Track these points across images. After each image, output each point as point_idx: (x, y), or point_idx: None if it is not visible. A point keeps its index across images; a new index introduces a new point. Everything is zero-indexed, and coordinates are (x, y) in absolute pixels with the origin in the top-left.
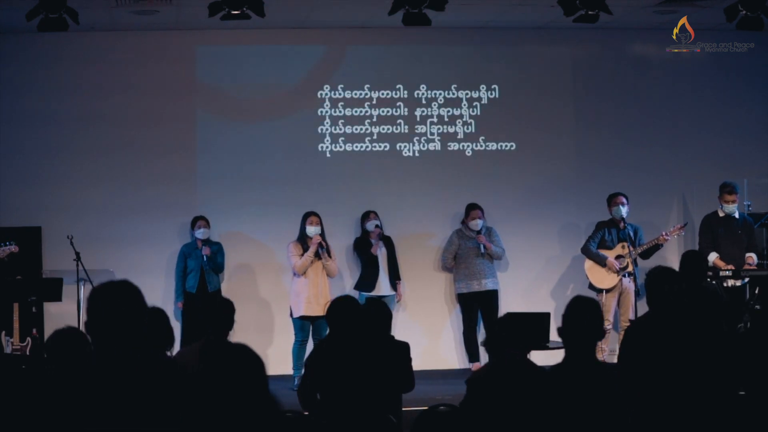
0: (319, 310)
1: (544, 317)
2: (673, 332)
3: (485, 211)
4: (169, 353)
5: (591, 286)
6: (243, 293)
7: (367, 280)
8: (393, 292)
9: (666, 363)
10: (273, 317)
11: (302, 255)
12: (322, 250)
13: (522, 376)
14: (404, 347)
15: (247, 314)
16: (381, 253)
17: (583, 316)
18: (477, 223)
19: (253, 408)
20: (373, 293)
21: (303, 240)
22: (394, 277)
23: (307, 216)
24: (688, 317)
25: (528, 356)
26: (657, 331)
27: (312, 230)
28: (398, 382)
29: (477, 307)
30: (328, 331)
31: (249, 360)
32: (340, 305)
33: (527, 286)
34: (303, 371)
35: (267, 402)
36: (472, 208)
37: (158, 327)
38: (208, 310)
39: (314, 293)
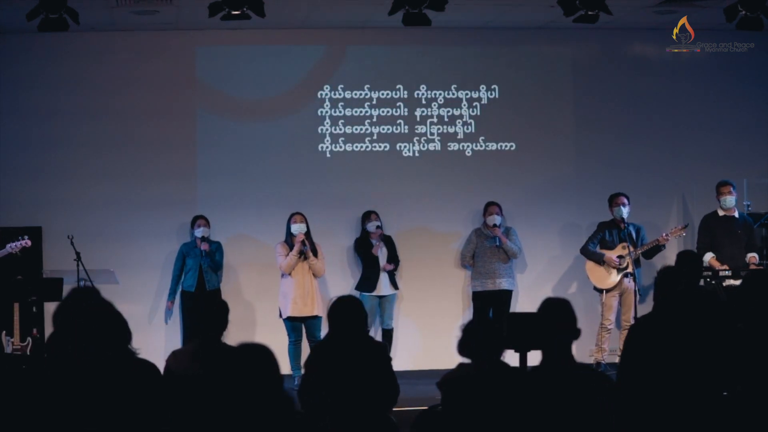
0: (306, 310)
1: None
2: (674, 332)
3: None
4: (131, 348)
5: (593, 287)
6: (242, 292)
7: (368, 280)
8: (394, 291)
9: (667, 362)
10: (272, 316)
11: (288, 255)
12: (306, 249)
13: (492, 376)
14: (383, 349)
15: (246, 313)
16: (382, 254)
17: (555, 318)
18: (493, 218)
19: (269, 407)
20: (374, 293)
21: (290, 240)
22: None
23: (291, 216)
24: (688, 317)
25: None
26: (659, 331)
27: (296, 228)
28: (382, 388)
29: (489, 306)
30: (321, 330)
31: (265, 360)
32: (341, 305)
33: (528, 286)
34: (302, 372)
35: (282, 401)
36: (489, 205)
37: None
38: (203, 310)
39: (301, 294)
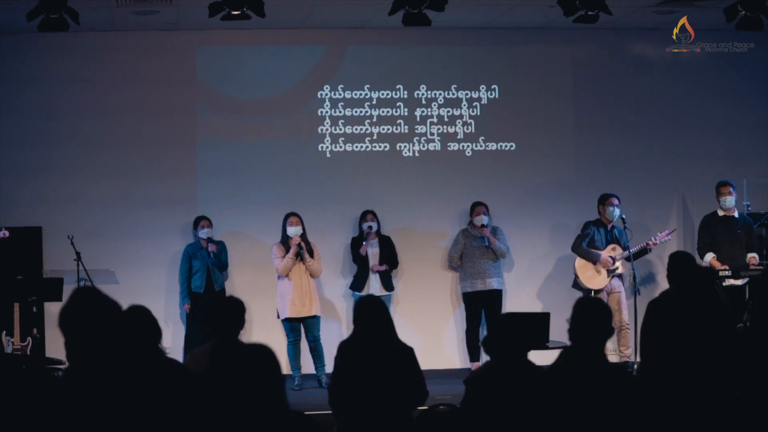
0: (304, 311)
1: (544, 317)
2: (668, 335)
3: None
4: (161, 347)
5: (577, 286)
6: (244, 292)
7: (358, 280)
8: (385, 293)
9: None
10: (270, 316)
11: (284, 256)
12: (303, 251)
13: (520, 375)
14: (410, 352)
15: (247, 313)
16: (372, 254)
17: (592, 317)
18: (481, 219)
19: (268, 408)
20: (363, 293)
21: (286, 241)
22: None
23: (287, 217)
24: (682, 320)
25: (527, 356)
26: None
27: (292, 231)
28: (411, 392)
29: (480, 306)
30: (320, 330)
31: (266, 360)
32: (360, 305)
33: (529, 286)
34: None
35: (282, 402)
36: (476, 205)
37: (142, 323)
38: (219, 310)
39: (299, 295)
